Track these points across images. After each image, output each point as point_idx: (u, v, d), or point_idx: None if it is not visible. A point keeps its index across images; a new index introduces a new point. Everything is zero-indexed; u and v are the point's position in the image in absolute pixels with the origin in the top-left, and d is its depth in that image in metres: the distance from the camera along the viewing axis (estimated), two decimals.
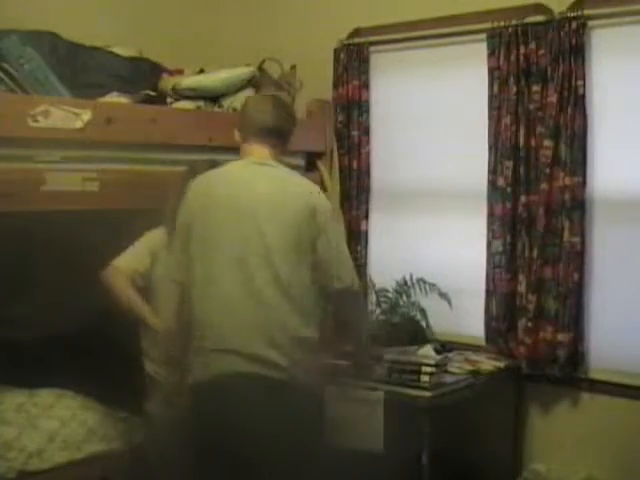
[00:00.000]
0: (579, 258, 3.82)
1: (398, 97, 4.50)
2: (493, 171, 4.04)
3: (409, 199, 4.48)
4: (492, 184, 4.05)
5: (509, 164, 3.97)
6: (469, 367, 3.85)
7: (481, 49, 4.06)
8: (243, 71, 4.05)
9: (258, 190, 3.00)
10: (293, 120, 3.24)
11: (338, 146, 4.47)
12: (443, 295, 4.26)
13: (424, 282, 4.31)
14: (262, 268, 2.92)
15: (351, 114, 4.51)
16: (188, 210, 3.05)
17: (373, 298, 4.41)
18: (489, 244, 4.07)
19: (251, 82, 4.06)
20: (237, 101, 3.97)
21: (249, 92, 4.05)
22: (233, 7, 4.97)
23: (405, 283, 4.34)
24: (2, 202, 2.99)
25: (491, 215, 4.06)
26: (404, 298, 4.33)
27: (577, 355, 3.87)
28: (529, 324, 3.94)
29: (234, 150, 3.79)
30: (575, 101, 3.78)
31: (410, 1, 4.34)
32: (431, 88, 4.36)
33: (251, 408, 2.91)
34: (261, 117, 3.14)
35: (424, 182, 4.41)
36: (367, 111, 4.52)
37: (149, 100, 3.73)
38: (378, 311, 4.35)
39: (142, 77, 3.83)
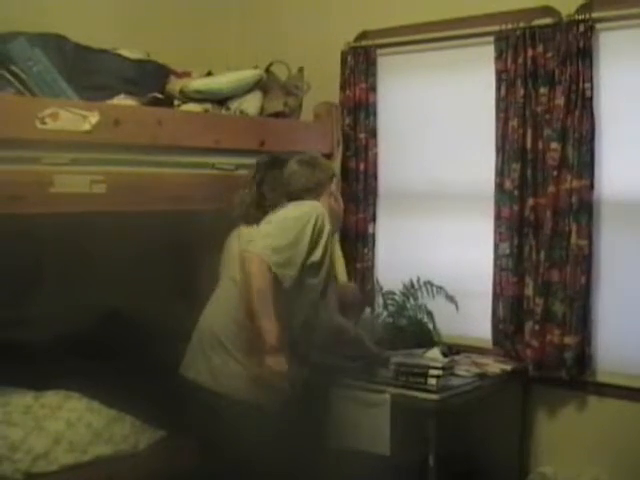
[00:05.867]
0: (586, 261, 3.82)
1: (405, 100, 4.50)
2: (500, 174, 4.04)
3: (416, 201, 4.48)
4: (499, 187, 4.05)
5: (516, 167, 3.97)
6: (476, 370, 3.85)
7: (489, 52, 4.05)
8: (250, 74, 4.04)
9: None
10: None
11: (345, 149, 4.47)
12: (450, 298, 4.26)
13: (431, 285, 4.31)
14: None
15: (358, 117, 4.51)
16: None
17: (380, 301, 4.42)
18: (496, 247, 4.07)
19: (258, 84, 4.06)
20: (244, 103, 3.98)
21: (256, 95, 4.05)
22: (240, 10, 4.98)
23: (412, 286, 4.34)
24: (11, 204, 2.98)
25: (498, 218, 4.06)
26: (411, 301, 4.33)
27: (584, 358, 3.87)
28: (536, 327, 3.93)
29: (240, 152, 3.81)
30: (582, 104, 3.78)
31: (417, 4, 4.34)
32: (438, 91, 4.36)
33: None
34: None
35: (431, 184, 4.41)
36: (374, 114, 4.52)
37: (156, 102, 3.73)
38: (385, 314, 4.35)
39: (149, 80, 3.83)
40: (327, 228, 3.23)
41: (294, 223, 3.18)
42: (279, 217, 3.24)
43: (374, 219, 4.55)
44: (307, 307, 3.30)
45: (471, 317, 4.24)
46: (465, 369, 3.84)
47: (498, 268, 4.07)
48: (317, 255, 3.20)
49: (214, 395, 3.20)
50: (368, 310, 4.31)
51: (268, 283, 3.06)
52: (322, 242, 3.21)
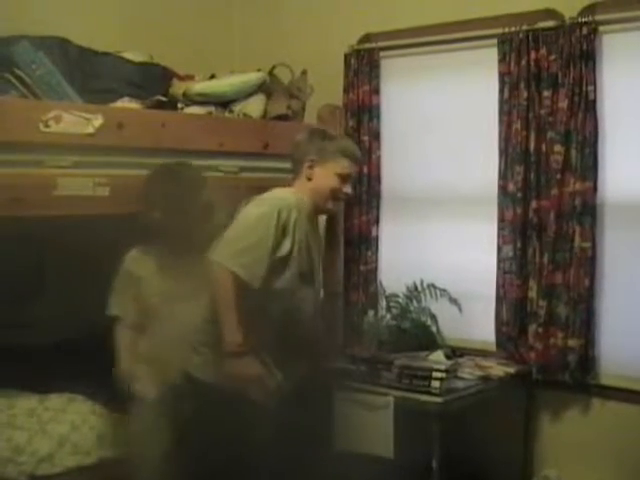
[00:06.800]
0: (590, 263, 3.81)
1: (409, 102, 4.50)
2: (504, 176, 4.04)
3: (420, 204, 4.47)
4: (503, 189, 4.04)
5: (520, 169, 3.96)
6: (479, 373, 3.85)
7: (492, 54, 4.05)
8: (254, 76, 4.05)
9: None
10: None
11: None
12: (453, 300, 4.26)
13: (434, 287, 4.30)
14: None
15: (362, 119, 4.51)
16: None
17: (383, 303, 4.41)
18: (499, 249, 4.07)
19: (262, 87, 4.07)
20: (248, 106, 3.98)
21: (260, 97, 4.05)
22: (244, 13, 4.98)
23: (415, 288, 4.34)
24: (14, 207, 2.99)
25: (502, 220, 4.06)
26: (414, 303, 4.32)
27: (588, 361, 3.86)
28: (540, 330, 3.93)
29: (244, 155, 3.82)
30: (586, 106, 3.78)
31: (420, 6, 4.34)
32: (442, 93, 4.36)
33: None
34: None
35: (434, 187, 4.40)
36: (377, 116, 4.52)
37: (160, 105, 3.73)
38: (388, 316, 4.34)
39: (153, 82, 3.84)
40: (294, 219, 3.16)
41: (256, 223, 3.13)
42: (241, 220, 3.18)
43: (377, 222, 4.55)
44: (286, 301, 3.24)
45: (475, 320, 4.24)
46: (468, 372, 3.84)
47: (502, 271, 4.06)
48: (285, 249, 3.16)
49: (209, 388, 3.17)
50: (372, 312, 4.30)
51: (230, 290, 3.06)
52: (289, 235, 3.16)
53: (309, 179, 3.32)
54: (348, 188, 3.35)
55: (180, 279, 3.37)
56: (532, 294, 3.98)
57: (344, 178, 3.33)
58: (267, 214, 3.13)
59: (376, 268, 4.55)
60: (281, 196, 3.23)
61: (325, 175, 3.30)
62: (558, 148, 3.85)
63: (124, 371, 3.34)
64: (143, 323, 3.41)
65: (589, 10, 3.79)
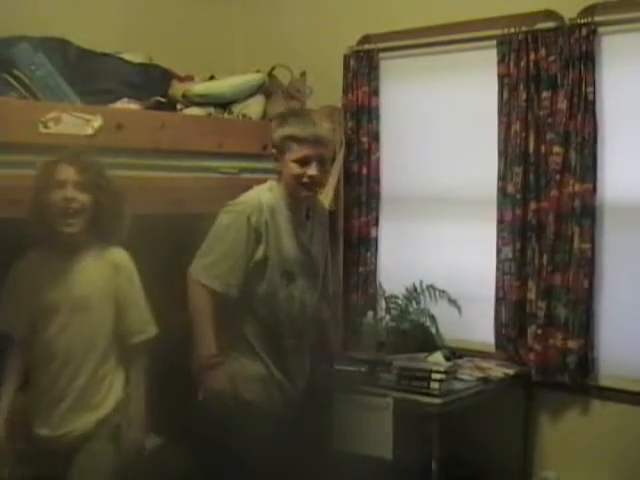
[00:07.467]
0: (589, 265, 3.82)
1: (408, 103, 4.50)
2: (503, 178, 4.04)
3: (419, 205, 4.47)
4: (502, 191, 4.04)
5: (519, 170, 3.96)
6: (479, 374, 3.85)
7: (491, 56, 4.06)
8: (253, 78, 4.06)
9: None
10: None
11: (347, 153, 4.47)
12: (453, 302, 4.26)
13: (434, 289, 4.31)
14: None
15: (361, 120, 4.51)
16: None
17: (383, 304, 4.41)
18: (499, 251, 4.07)
19: (261, 89, 4.07)
20: (247, 108, 3.99)
21: (259, 99, 4.06)
22: (243, 14, 4.98)
23: (415, 290, 4.34)
24: (13, 208, 2.99)
25: (501, 222, 4.06)
26: (414, 305, 4.32)
27: (587, 362, 3.86)
28: (539, 331, 3.93)
29: (243, 156, 3.81)
30: (585, 107, 3.78)
31: (420, 8, 4.34)
32: (441, 94, 4.36)
33: None
34: None
35: (434, 188, 4.40)
36: (377, 117, 4.52)
37: (159, 106, 3.73)
38: (388, 318, 4.34)
39: (152, 84, 3.84)
40: (265, 220, 3.11)
41: (226, 232, 3.10)
42: (212, 230, 3.14)
43: (377, 223, 4.55)
44: (269, 303, 3.20)
45: (474, 321, 4.24)
46: (468, 373, 3.84)
47: (501, 272, 4.06)
48: (260, 253, 3.12)
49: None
50: (371, 313, 4.30)
51: (204, 303, 3.06)
52: (263, 237, 3.11)
53: (279, 172, 3.23)
54: (312, 170, 3.13)
55: (76, 283, 3.00)
56: (531, 295, 3.98)
57: (303, 162, 3.13)
58: (236, 221, 3.10)
59: (375, 269, 4.55)
60: (252, 197, 3.19)
61: (285, 165, 3.17)
62: (557, 149, 3.85)
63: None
64: (32, 338, 2.99)
65: (588, 11, 3.79)
